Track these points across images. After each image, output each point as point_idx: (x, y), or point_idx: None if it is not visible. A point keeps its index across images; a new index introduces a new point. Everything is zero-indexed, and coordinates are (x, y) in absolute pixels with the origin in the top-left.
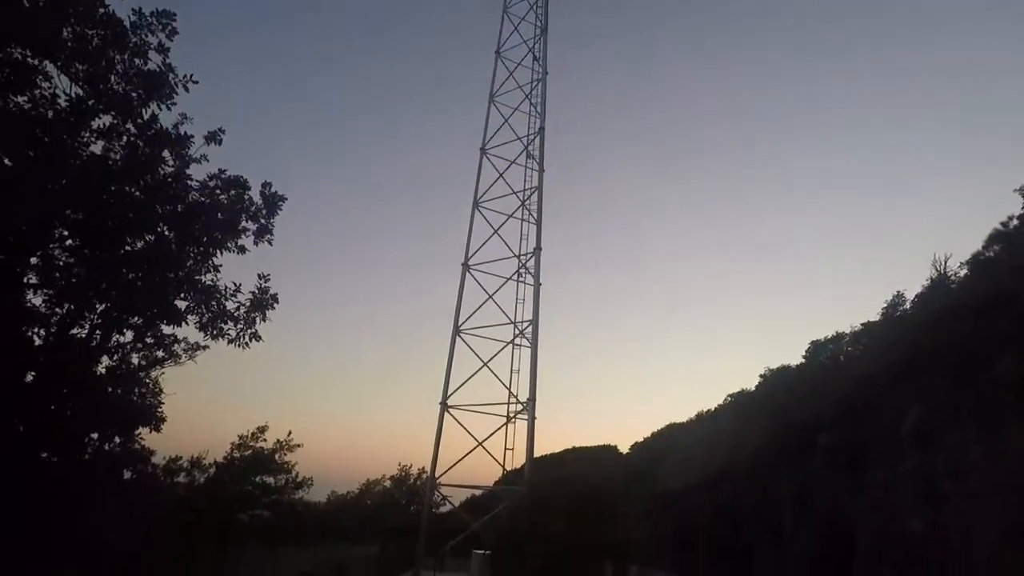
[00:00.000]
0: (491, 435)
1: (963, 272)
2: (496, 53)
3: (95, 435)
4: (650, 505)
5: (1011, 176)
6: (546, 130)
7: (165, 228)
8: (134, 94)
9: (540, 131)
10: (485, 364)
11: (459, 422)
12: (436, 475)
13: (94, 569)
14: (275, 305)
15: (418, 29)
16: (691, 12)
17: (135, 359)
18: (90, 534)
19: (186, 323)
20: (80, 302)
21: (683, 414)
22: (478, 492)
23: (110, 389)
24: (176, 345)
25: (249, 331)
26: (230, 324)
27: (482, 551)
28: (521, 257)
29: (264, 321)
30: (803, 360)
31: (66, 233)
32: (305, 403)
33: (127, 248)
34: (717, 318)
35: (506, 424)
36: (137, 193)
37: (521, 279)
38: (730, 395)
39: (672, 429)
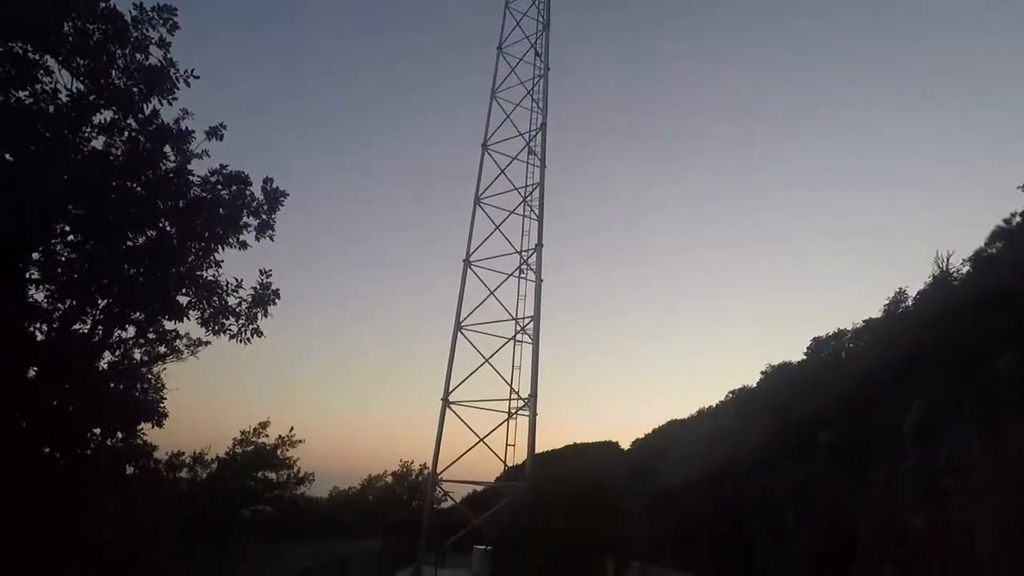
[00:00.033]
0: (492, 431)
1: (965, 269)
2: (498, 49)
3: (97, 430)
4: (651, 501)
5: (1014, 173)
6: (548, 126)
7: (167, 224)
8: (135, 89)
9: (542, 127)
10: (487, 360)
11: (460, 418)
12: (438, 471)
13: (96, 565)
14: (277, 301)
15: (420, 25)
16: (692, 9)
17: (137, 355)
18: (91, 530)
19: (188, 319)
20: (82, 298)
21: (684, 411)
22: (479, 488)
23: (112, 384)
24: (178, 341)
25: (251, 327)
26: (232, 320)
27: (483, 547)
28: (522, 253)
29: (266, 317)
30: (805, 357)
31: (68, 229)
32: (307, 399)
33: (129, 244)
34: (718, 315)
35: (507, 420)
36: (139, 189)
37: (522, 275)
38: (731, 392)
39: (673, 425)
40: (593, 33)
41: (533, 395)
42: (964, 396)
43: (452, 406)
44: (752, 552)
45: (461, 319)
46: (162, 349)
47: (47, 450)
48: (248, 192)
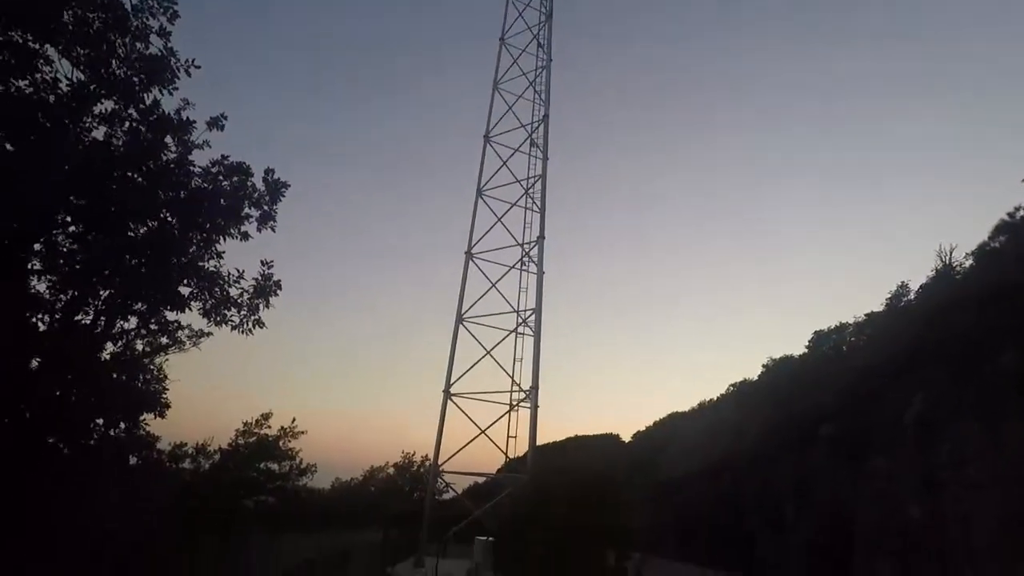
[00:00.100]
0: (494, 423)
1: (968, 263)
2: (500, 40)
3: (100, 421)
4: (652, 493)
5: (1018, 167)
6: (550, 118)
7: (168, 214)
8: (136, 79)
9: (544, 119)
10: (488, 352)
11: (462, 410)
12: (439, 462)
13: (99, 555)
14: (278, 292)
15: (422, 15)
16: (695, 2)
17: (139, 345)
18: (95, 520)
19: (189, 309)
20: (84, 288)
21: (685, 403)
22: (481, 479)
23: (114, 375)
24: (180, 332)
25: (252, 318)
26: (233, 311)
27: (485, 537)
28: (524, 245)
29: (267, 308)
30: (806, 350)
31: (69, 219)
32: (308, 390)
33: (130, 234)
34: (720, 307)
35: (509, 412)
36: (140, 179)
37: (524, 267)
38: (732, 385)
39: (674, 418)
40: (596, 24)
41: (534, 387)
42: (965, 391)
43: (454, 398)
44: (752, 544)
45: (463, 311)
46: (164, 340)
47: (50, 440)
48: (249, 183)
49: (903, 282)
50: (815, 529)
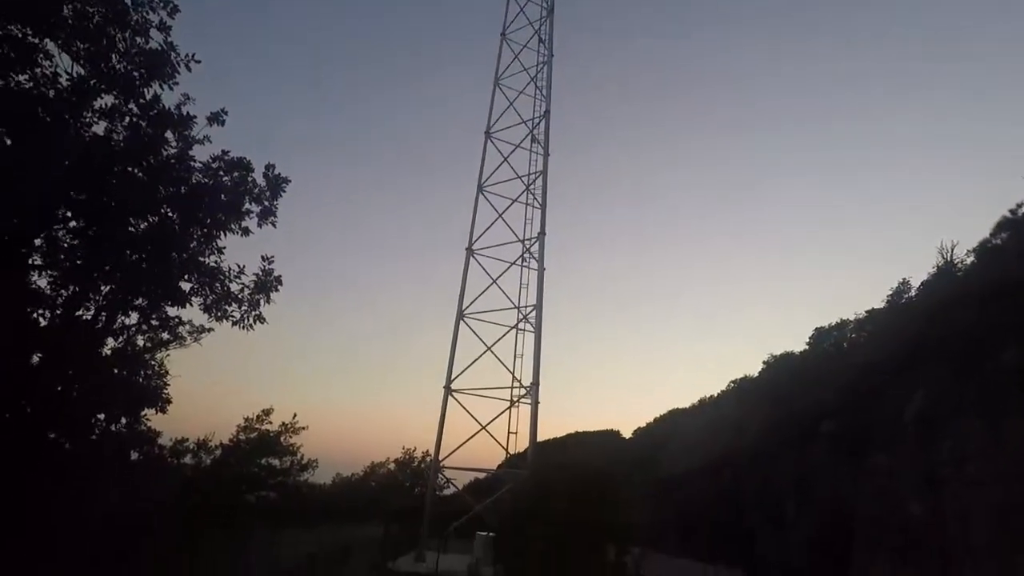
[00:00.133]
0: (494, 419)
1: (970, 260)
2: (501, 35)
3: (101, 416)
4: (653, 489)
5: (1021, 163)
6: (551, 113)
7: (168, 210)
8: (136, 73)
9: (545, 114)
10: (489, 348)
11: (463, 406)
12: (440, 458)
13: (101, 549)
14: (279, 287)
15: (423, 10)
16: None
17: (140, 341)
18: (96, 515)
19: (190, 305)
20: (85, 284)
21: (686, 400)
22: (482, 475)
23: (115, 370)
24: (180, 327)
25: (253, 313)
26: (234, 306)
27: (485, 533)
28: (525, 242)
29: (268, 303)
30: (807, 347)
31: (69, 215)
32: (309, 386)
33: (131, 230)
34: (721, 304)
35: (509, 408)
36: (140, 174)
37: (525, 264)
38: (733, 381)
39: (675, 415)
40: (597, 19)
41: (535, 383)
42: (967, 388)
43: (454, 394)
44: (753, 541)
45: (464, 307)
46: (165, 335)
47: (52, 436)
48: (250, 178)
49: (904, 279)
50: (816, 526)
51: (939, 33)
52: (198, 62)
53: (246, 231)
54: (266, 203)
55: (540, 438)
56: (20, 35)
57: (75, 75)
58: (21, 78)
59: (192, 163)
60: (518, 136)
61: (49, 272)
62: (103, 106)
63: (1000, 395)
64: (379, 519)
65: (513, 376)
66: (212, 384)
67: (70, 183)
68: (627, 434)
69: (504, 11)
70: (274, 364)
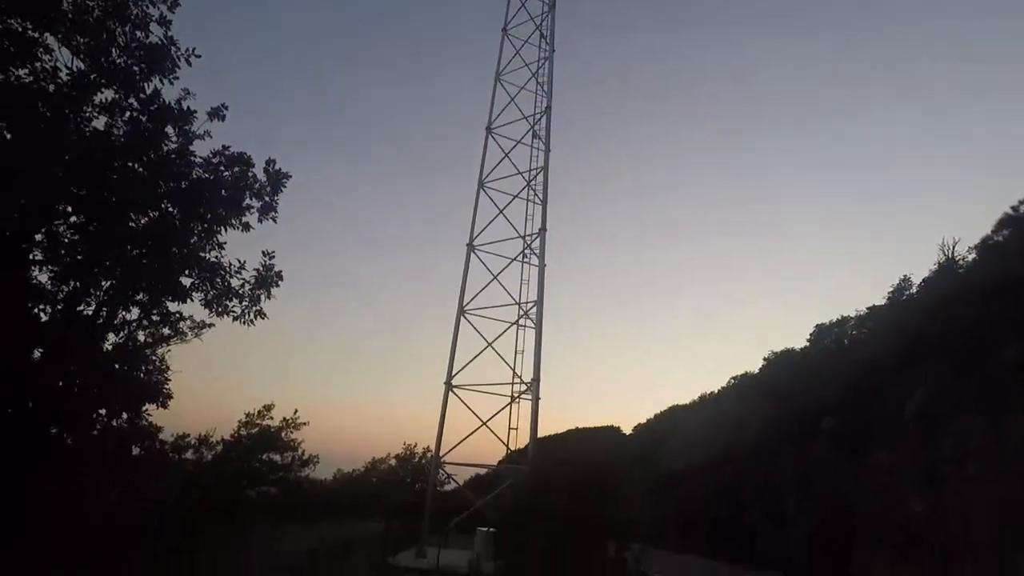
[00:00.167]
0: (495, 415)
1: (971, 257)
2: (503, 31)
3: (103, 411)
4: (653, 486)
5: (1022, 160)
6: (552, 109)
7: (169, 205)
8: (136, 68)
9: (546, 110)
10: (489, 344)
11: (463, 402)
12: (441, 454)
13: (101, 544)
14: (280, 283)
15: (424, 6)
16: None
17: (141, 336)
18: (97, 510)
19: (191, 300)
20: (85, 279)
21: (686, 396)
22: (482, 471)
23: (117, 366)
24: (181, 323)
25: (254, 308)
26: (235, 301)
27: (486, 528)
28: (526, 238)
29: (269, 299)
30: (807, 343)
31: (70, 210)
32: (310, 381)
33: (131, 225)
34: (722, 300)
35: (510, 404)
36: (140, 170)
37: (526, 260)
38: (734, 378)
39: (675, 411)
40: (598, 15)
41: (536, 379)
42: (968, 385)
43: (455, 390)
44: (753, 537)
45: (464, 303)
46: (166, 331)
47: (53, 431)
48: (251, 174)
49: (905, 276)
50: (816, 522)
51: (939, 33)
52: (198, 57)
53: (247, 226)
54: (267, 198)
55: (541, 434)
56: (20, 29)
57: (75, 69)
58: (21, 72)
59: (192, 158)
60: (519, 132)
61: (50, 268)
62: (103, 101)
63: (1001, 392)
64: (380, 515)
65: (514, 372)
66: (213, 380)
67: (70, 178)
68: (628, 430)
69: (506, 7)
70: (275, 360)
